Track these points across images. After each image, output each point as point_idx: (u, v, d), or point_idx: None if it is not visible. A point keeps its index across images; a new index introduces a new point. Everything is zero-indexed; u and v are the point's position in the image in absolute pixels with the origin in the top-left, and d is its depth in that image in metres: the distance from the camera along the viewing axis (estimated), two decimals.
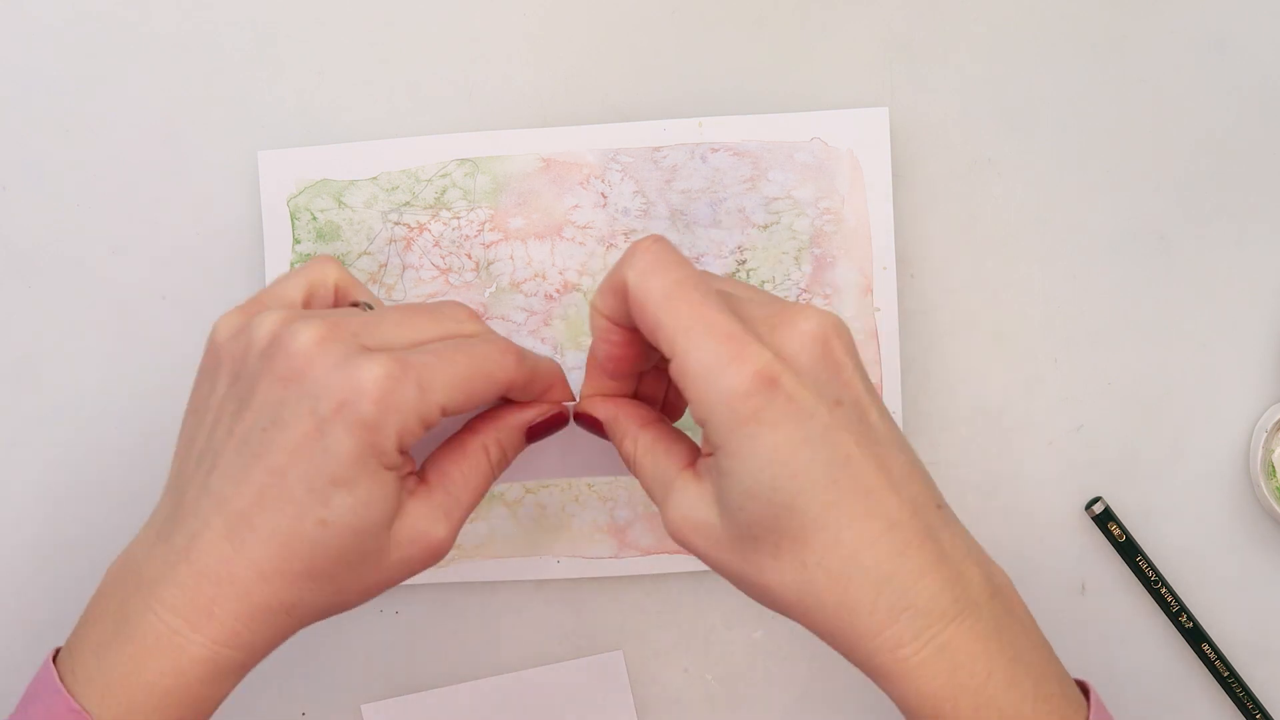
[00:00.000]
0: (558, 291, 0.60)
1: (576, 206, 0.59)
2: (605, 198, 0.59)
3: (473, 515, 0.60)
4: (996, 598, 0.46)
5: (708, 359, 0.44)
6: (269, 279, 0.60)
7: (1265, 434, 0.59)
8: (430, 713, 0.60)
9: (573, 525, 0.60)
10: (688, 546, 0.48)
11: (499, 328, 0.60)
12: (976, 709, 0.45)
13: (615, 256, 0.59)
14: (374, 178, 0.60)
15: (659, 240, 0.47)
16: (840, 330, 0.46)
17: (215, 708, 0.47)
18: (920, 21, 0.60)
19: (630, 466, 0.50)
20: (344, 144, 0.60)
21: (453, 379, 0.47)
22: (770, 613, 0.60)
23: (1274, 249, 0.60)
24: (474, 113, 0.60)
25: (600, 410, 0.51)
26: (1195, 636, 0.60)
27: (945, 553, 0.46)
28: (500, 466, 0.51)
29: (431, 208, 0.60)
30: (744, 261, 0.59)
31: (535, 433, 0.52)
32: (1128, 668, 0.61)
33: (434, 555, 0.48)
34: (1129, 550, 0.60)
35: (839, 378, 0.46)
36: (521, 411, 0.51)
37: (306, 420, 0.45)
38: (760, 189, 0.59)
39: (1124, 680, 0.61)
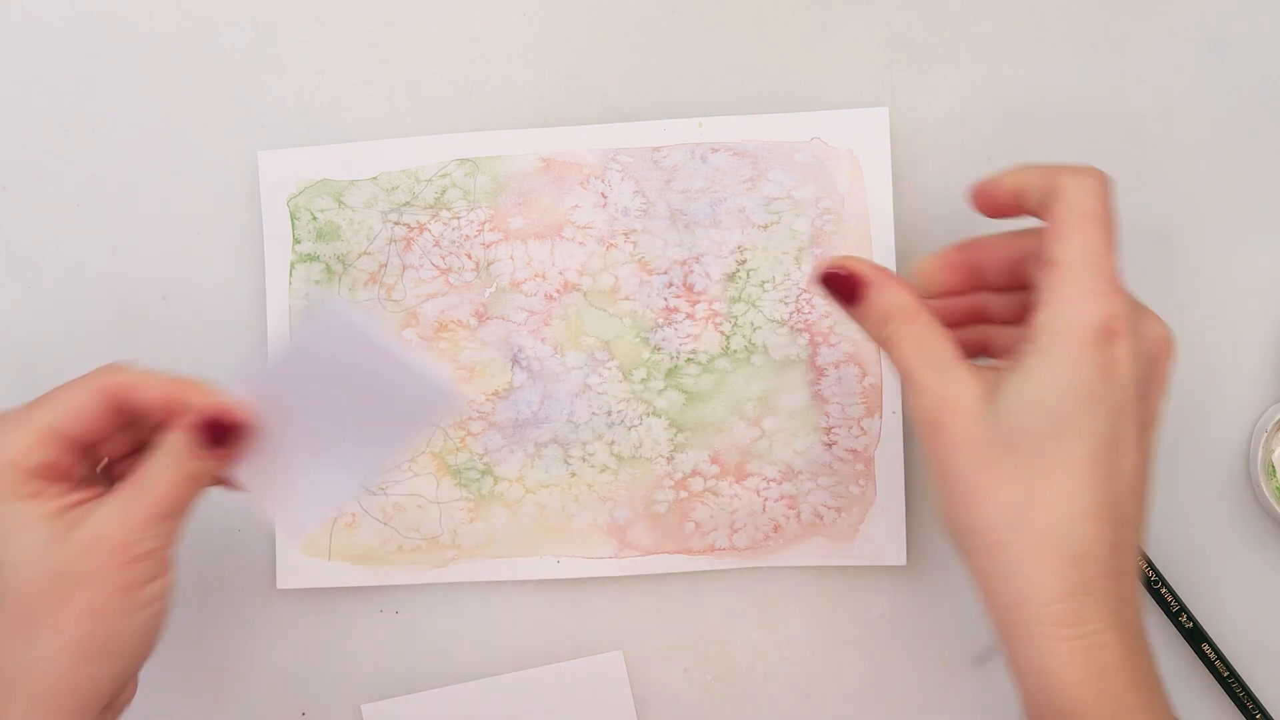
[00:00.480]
0: (558, 291, 0.60)
1: (576, 206, 0.59)
2: (605, 198, 0.59)
3: (472, 516, 0.60)
4: (1143, 633, 0.47)
5: (1089, 278, 0.47)
6: (269, 279, 0.60)
7: (1265, 434, 0.59)
8: (430, 713, 0.60)
9: (573, 525, 0.60)
10: (933, 427, 0.48)
11: (498, 328, 0.60)
12: (1116, 714, 0.45)
13: (615, 256, 0.59)
14: (374, 178, 0.60)
15: (1108, 180, 0.49)
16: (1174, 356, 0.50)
17: None
18: (920, 21, 0.60)
19: (891, 335, 0.50)
20: (344, 144, 0.60)
21: (49, 397, 0.50)
22: (770, 613, 0.60)
23: (1274, 249, 0.60)
24: (474, 113, 0.60)
25: (867, 268, 0.50)
26: (1195, 636, 0.60)
27: (1125, 571, 0.47)
28: (191, 463, 0.50)
29: (431, 208, 0.60)
30: (744, 261, 0.59)
31: (209, 431, 0.49)
32: None
33: (122, 552, 0.48)
34: None
35: (1153, 382, 0.49)
36: (199, 409, 0.50)
37: None
38: (760, 189, 0.59)
39: None
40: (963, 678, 0.60)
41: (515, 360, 0.60)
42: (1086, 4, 0.60)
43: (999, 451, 0.47)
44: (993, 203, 0.51)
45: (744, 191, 0.59)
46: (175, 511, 0.49)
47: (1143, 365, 0.48)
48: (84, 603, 0.47)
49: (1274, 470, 0.59)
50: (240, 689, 0.61)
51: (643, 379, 0.59)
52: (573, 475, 0.60)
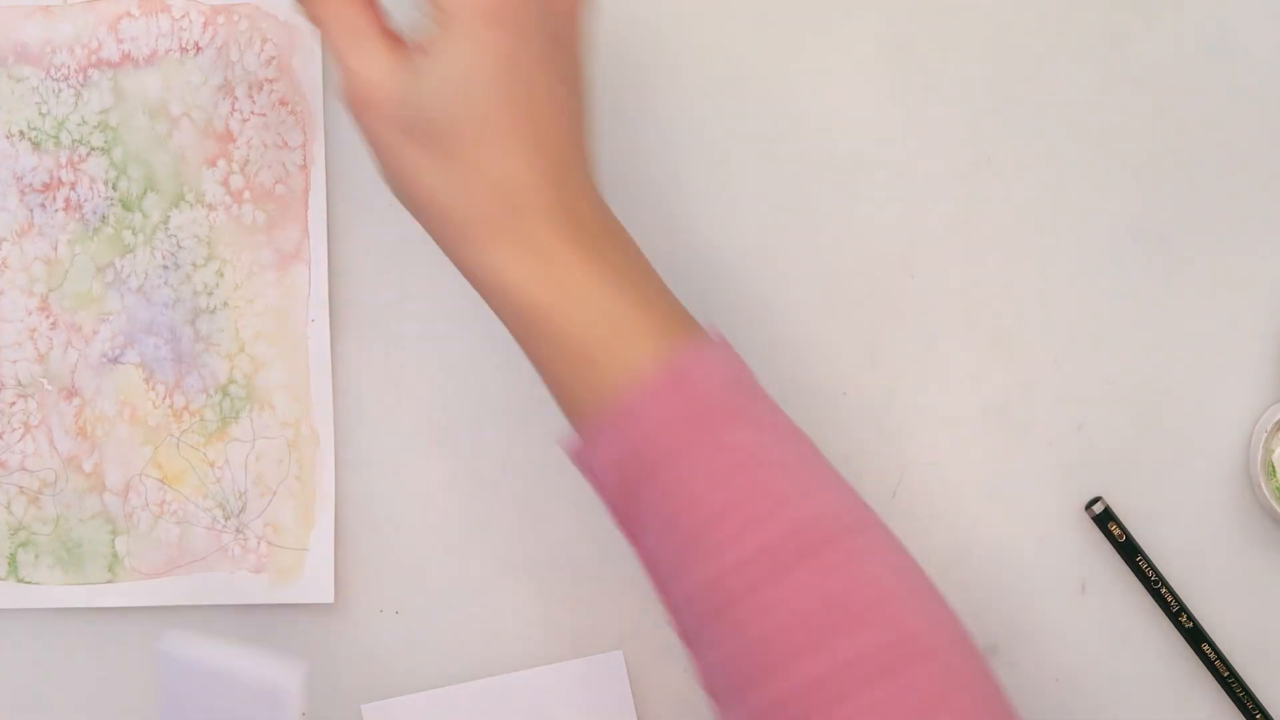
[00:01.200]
0: None
1: None
2: None
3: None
4: (612, 234, 0.49)
5: None
6: None
7: (1265, 434, 0.59)
8: (430, 713, 0.60)
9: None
10: (357, 104, 0.48)
11: None
12: (580, 306, 0.47)
13: None
14: None
15: None
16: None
17: None
18: (920, 21, 0.60)
19: (319, 20, 0.50)
20: None
21: None
22: None
23: (1274, 249, 0.60)
24: None
25: None
26: (1195, 636, 0.60)
27: (573, 200, 0.48)
28: None
29: None
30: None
31: None
32: (1128, 668, 0.61)
33: None
34: (1129, 550, 0.60)
35: (565, 23, 0.49)
36: None
37: None
38: None
39: (1124, 680, 0.61)
40: None
41: None
42: (1086, 4, 0.60)
43: (423, 135, 0.47)
44: None
45: None
46: None
47: (546, 16, 0.48)
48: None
49: (1274, 470, 0.59)
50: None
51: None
52: None
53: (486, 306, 0.49)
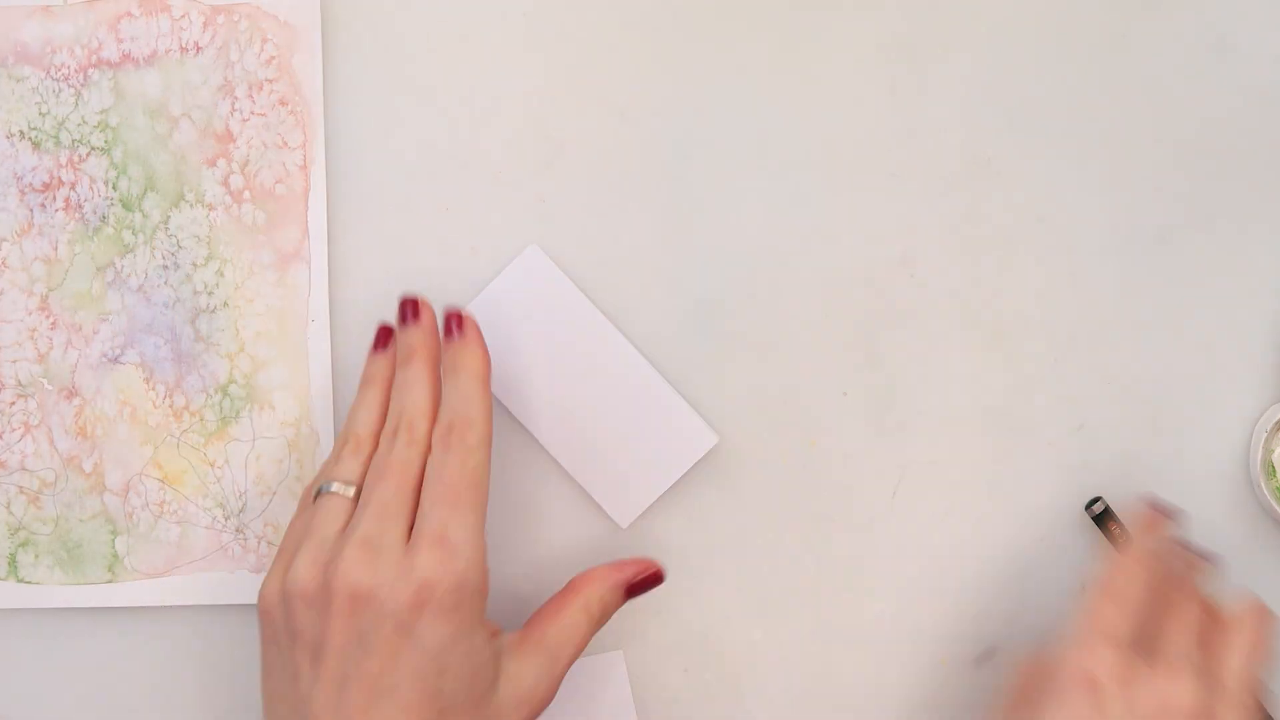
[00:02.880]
0: None
1: None
2: None
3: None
4: None
5: (1077, 634, 0.54)
6: None
7: (1265, 434, 0.59)
8: None
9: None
10: None
11: None
12: None
13: None
14: None
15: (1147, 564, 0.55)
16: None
17: None
18: (920, 21, 0.60)
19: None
20: None
21: (475, 523, 0.52)
22: (771, 612, 0.60)
23: (1274, 249, 0.60)
24: (473, 114, 0.60)
25: None
26: None
27: None
28: (601, 621, 0.56)
29: None
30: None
31: (634, 590, 0.57)
32: None
33: (542, 709, 0.54)
34: None
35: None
36: (620, 571, 0.56)
37: (391, 636, 0.50)
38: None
39: None
40: (962, 678, 0.60)
41: None
42: (1086, 4, 0.60)
43: None
44: None
45: None
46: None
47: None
48: None
49: (1274, 470, 0.59)
50: (242, 689, 0.61)
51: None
52: None
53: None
